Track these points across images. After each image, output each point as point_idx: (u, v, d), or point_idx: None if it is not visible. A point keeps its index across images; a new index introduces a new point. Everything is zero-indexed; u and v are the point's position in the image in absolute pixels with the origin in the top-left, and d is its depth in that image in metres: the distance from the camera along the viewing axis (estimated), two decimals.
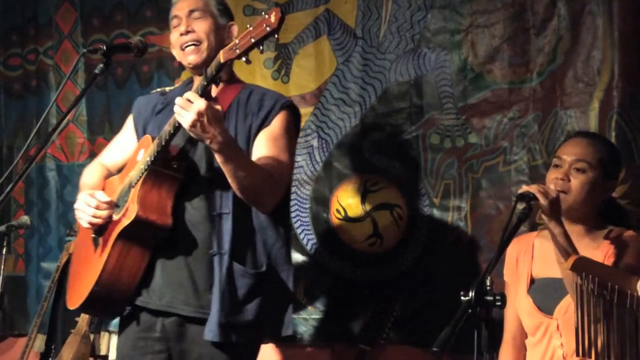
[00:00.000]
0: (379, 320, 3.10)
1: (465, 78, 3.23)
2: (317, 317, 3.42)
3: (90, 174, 2.77)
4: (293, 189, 3.38)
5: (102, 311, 2.71)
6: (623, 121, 2.93)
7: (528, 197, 2.25)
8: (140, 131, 2.69)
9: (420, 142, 3.30)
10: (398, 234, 3.32)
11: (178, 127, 2.36)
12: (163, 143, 2.42)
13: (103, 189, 2.64)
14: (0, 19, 4.33)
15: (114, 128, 3.97)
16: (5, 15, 4.32)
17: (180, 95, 2.33)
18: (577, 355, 2.16)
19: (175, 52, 2.67)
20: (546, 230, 2.39)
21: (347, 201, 3.42)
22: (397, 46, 3.36)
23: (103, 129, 4.03)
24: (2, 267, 3.51)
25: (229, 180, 2.39)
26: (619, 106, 2.94)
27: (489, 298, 1.95)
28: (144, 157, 2.49)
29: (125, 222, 2.44)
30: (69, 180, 4.11)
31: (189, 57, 2.60)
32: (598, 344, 2.11)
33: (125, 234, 2.46)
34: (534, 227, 2.82)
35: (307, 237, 3.47)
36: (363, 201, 3.39)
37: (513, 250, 2.62)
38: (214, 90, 2.56)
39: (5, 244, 3.59)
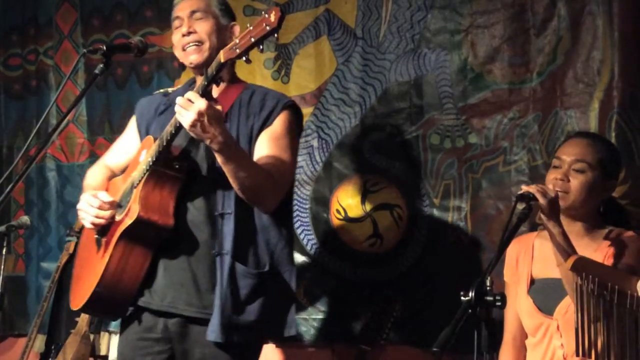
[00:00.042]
0: (379, 321, 3.10)
1: (465, 78, 3.23)
2: (317, 317, 3.42)
3: (94, 175, 2.77)
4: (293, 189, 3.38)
5: (105, 312, 2.71)
6: (623, 121, 2.93)
7: (528, 198, 2.25)
8: (143, 132, 2.69)
9: (420, 143, 3.30)
10: (398, 235, 3.32)
11: (179, 127, 2.36)
12: (164, 143, 2.42)
13: (106, 190, 2.64)
14: (0, 19, 4.33)
15: (114, 128, 3.98)
16: (5, 15, 4.32)
17: (183, 95, 2.33)
18: (577, 355, 2.16)
19: (177, 53, 2.67)
20: (546, 231, 2.39)
21: (347, 201, 3.42)
22: (397, 46, 3.36)
23: (103, 129, 4.03)
24: (2, 267, 3.51)
25: (230, 180, 2.39)
26: (619, 106, 2.94)
27: (489, 298, 1.95)
28: (146, 157, 2.49)
29: (128, 222, 2.45)
30: (69, 181, 4.11)
31: (191, 57, 2.60)
32: (598, 345, 2.12)
33: (127, 234, 2.46)
34: (534, 228, 2.82)
35: (307, 237, 3.47)
36: (363, 201, 3.39)
37: (513, 250, 2.62)
38: (216, 91, 2.56)
39: (5, 244, 3.58)
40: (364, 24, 3.43)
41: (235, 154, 2.37)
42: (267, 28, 2.15)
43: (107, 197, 2.55)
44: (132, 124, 2.79)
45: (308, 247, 3.46)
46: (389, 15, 3.38)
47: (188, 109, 2.28)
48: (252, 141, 2.53)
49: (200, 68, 2.55)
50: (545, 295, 2.50)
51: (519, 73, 3.14)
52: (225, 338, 2.44)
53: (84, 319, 3.82)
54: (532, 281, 2.56)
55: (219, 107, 2.35)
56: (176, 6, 2.68)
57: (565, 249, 2.29)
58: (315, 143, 3.48)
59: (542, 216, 2.32)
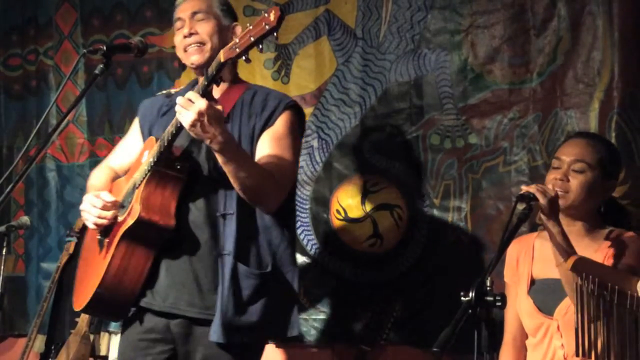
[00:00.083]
0: (379, 321, 3.11)
1: (466, 78, 3.23)
2: (317, 317, 3.42)
3: (98, 177, 2.77)
4: None
5: (107, 313, 2.71)
6: (623, 122, 2.93)
7: (528, 198, 2.25)
8: (146, 133, 2.69)
9: (421, 143, 3.30)
10: (398, 235, 3.32)
11: (180, 127, 2.36)
12: (165, 143, 2.43)
13: (110, 191, 2.64)
14: (0, 19, 4.33)
15: (114, 128, 3.98)
16: (5, 15, 4.32)
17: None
18: (577, 355, 2.16)
19: (179, 54, 2.67)
20: (546, 231, 2.39)
21: (347, 202, 3.42)
22: (397, 47, 3.36)
23: (103, 130, 4.03)
24: (2, 267, 3.51)
25: (231, 180, 2.39)
26: (619, 107, 2.94)
27: (489, 298, 1.95)
28: (148, 158, 2.50)
29: (129, 222, 2.44)
30: (69, 181, 4.11)
31: (192, 58, 2.60)
32: (598, 345, 2.12)
33: (128, 234, 2.46)
34: (534, 228, 2.82)
35: (307, 237, 3.46)
36: (363, 202, 3.39)
37: (513, 251, 2.62)
38: (218, 91, 2.57)
39: (5, 244, 3.58)
40: (364, 24, 3.43)
41: (235, 154, 2.37)
42: (267, 27, 2.15)
43: (109, 197, 2.55)
44: (135, 126, 2.79)
45: (308, 248, 3.46)
46: (389, 16, 3.38)
47: (188, 109, 2.28)
48: (253, 141, 2.53)
49: (201, 69, 2.55)
50: (545, 295, 2.50)
51: (519, 73, 3.14)
52: (228, 339, 2.44)
53: (84, 319, 3.82)
54: (533, 281, 2.56)
55: (219, 107, 2.35)
56: (177, 7, 2.68)
57: (565, 248, 2.30)
58: (315, 143, 3.48)
59: (542, 216, 2.32)
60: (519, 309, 2.58)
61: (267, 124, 2.54)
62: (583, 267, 2.14)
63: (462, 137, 3.23)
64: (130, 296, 2.51)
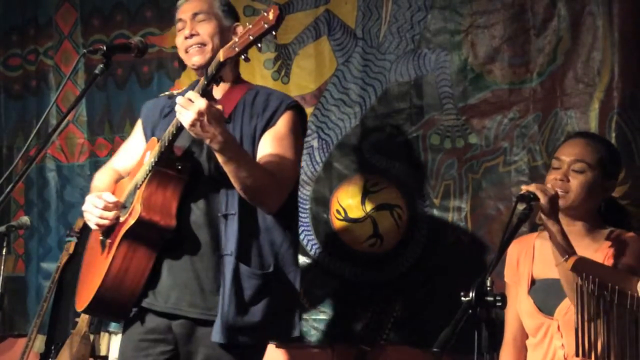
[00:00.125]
0: (379, 321, 3.11)
1: (465, 78, 3.23)
2: (317, 317, 3.42)
3: (101, 178, 2.76)
4: None
5: (108, 313, 2.71)
6: (623, 122, 2.93)
7: (528, 198, 2.25)
8: (149, 134, 2.69)
9: (421, 143, 3.30)
10: (398, 235, 3.32)
11: (180, 127, 2.36)
12: (166, 143, 2.43)
13: (113, 192, 2.64)
14: (0, 19, 4.33)
15: (114, 128, 3.98)
16: (5, 15, 4.32)
17: None
18: (577, 355, 2.16)
19: (181, 55, 2.67)
20: (547, 231, 2.39)
21: (347, 202, 3.42)
22: (397, 47, 3.36)
23: (103, 129, 4.03)
24: (2, 267, 3.51)
25: (232, 180, 2.39)
26: (619, 107, 2.94)
27: (490, 298, 1.95)
28: (149, 158, 2.50)
29: (130, 222, 2.45)
30: (69, 181, 4.11)
31: (193, 59, 2.60)
32: (598, 345, 2.12)
33: (129, 235, 2.46)
34: (534, 228, 2.82)
35: (307, 237, 3.46)
36: (363, 202, 3.39)
37: (514, 251, 2.62)
38: (220, 91, 2.57)
39: (5, 244, 3.58)
40: (364, 24, 3.43)
41: (236, 153, 2.37)
42: (266, 26, 2.16)
43: (111, 198, 2.55)
44: (138, 127, 2.79)
45: (308, 248, 3.46)
46: (389, 16, 3.38)
47: (188, 109, 2.28)
48: (255, 142, 2.53)
49: (203, 70, 2.55)
50: (545, 295, 2.50)
51: (519, 73, 3.14)
52: (230, 339, 2.43)
53: (84, 319, 3.82)
54: (533, 281, 2.56)
55: (219, 107, 2.35)
56: (179, 8, 2.68)
57: (564, 247, 2.30)
58: (315, 143, 3.48)
59: (542, 215, 2.32)
60: (519, 309, 2.58)
61: (269, 124, 2.54)
62: (583, 267, 2.14)
63: (462, 137, 3.23)
64: (132, 297, 2.51)
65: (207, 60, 2.55)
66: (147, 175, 2.47)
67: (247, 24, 2.23)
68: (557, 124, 3.05)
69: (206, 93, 2.35)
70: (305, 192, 3.47)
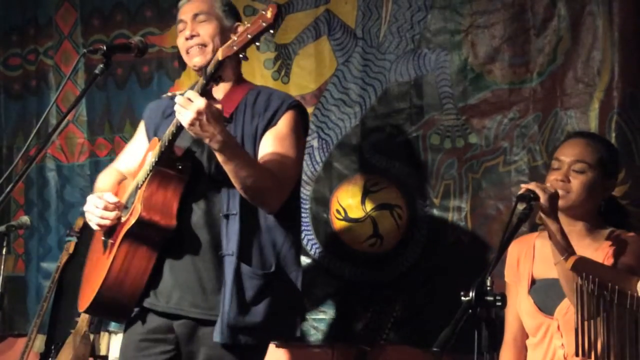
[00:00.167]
0: (379, 321, 3.11)
1: (465, 78, 3.23)
2: (317, 317, 3.42)
3: (104, 179, 2.77)
4: None
5: (110, 313, 2.71)
6: (623, 122, 2.93)
7: (528, 198, 2.25)
8: (152, 135, 2.69)
9: (421, 143, 3.30)
10: (398, 235, 3.32)
11: (180, 127, 2.36)
12: (166, 143, 2.43)
13: (116, 193, 2.64)
14: (0, 19, 4.33)
15: (114, 128, 3.98)
16: (5, 15, 4.32)
17: None
18: (577, 355, 2.16)
19: (183, 56, 2.67)
20: (547, 231, 2.39)
21: (347, 202, 3.42)
22: (397, 46, 3.36)
23: (103, 129, 4.03)
24: (2, 267, 3.51)
25: (232, 180, 2.39)
26: (619, 107, 2.94)
27: (489, 298, 1.94)
28: (150, 158, 2.50)
29: (131, 222, 2.45)
30: (69, 181, 4.11)
31: (194, 60, 2.60)
32: (598, 345, 2.11)
33: (130, 235, 2.46)
34: (534, 228, 2.82)
35: (307, 237, 3.46)
36: (363, 201, 3.39)
37: (514, 251, 2.62)
38: (222, 91, 2.57)
39: (5, 244, 3.58)
40: (364, 24, 3.43)
41: (235, 153, 2.37)
42: (264, 25, 2.18)
43: (112, 198, 2.55)
44: (141, 128, 2.79)
45: (308, 248, 3.46)
46: (389, 16, 3.38)
47: (187, 108, 2.29)
48: (256, 142, 2.53)
49: (204, 70, 2.55)
50: (545, 295, 2.50)
51: (519, 73, 3.14)
52: (231, 339, 2.43)
53: (84, 319, 3.82)
54: (533, 281, 2.56)
55: (218, 106, 2.36)
56: (180, 9, 2.68)
57: (564, 246, 2.30)
58: (315, 143, 3.48)
59: (541, 214, 2.32)
60: (519, 308, 2.58)
61: (270, 123, 2.54)
62: (583, 267, 2.13)
63: (462, 137, 3.23)
64: (133, 297, 2.51)
65: (208, 60, 2.55)
66: (147, 175, 2.47)
67: (246, 22, 2.25)
68: (557, 124, 3.05)
69: (205, 92, 2.36)
70: (305, 192, 3.47)
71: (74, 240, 3.96)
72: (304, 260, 3.43)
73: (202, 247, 2.50)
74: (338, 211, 3.44)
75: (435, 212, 3.26)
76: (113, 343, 3.88)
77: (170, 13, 3.78)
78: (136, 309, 2.57)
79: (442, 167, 3.26)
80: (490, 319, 1.95)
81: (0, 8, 4.32)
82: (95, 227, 2.58)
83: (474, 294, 1.92)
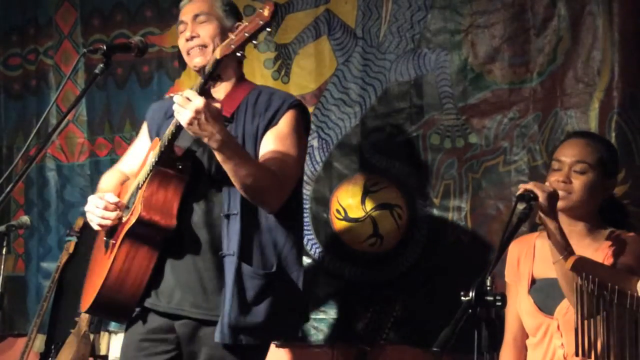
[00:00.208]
0: (378, 321, 3.10)
1: (465, 78, 3.23)
2: (317, 317, 3.42)
3: (108, 180, 2.77)
4: None
5: (111, 313, 2.70)
6: (623, 121, 2.93)
7: (528, 198, 2.25)
8: (154, 136, 2.69)
9: (421, 142, 3.30)
10: (398, 234, 3.32)
11: (180, 126, 2.36)
12: (166, 143, 2.43)
13: (119, 193, 2.64)
14: (0, 19, 4.33)
15: (114, 128, 3.98)
16: (5, 15, 4.32)
17: None
18: (577, 355, 2.16)
19: (184, 57, 2.67)
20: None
21: (347, 201, 3.42)
22: (397, 46, 3.36)
23: (103, 129, 4.03)
24: (2, 267, 3.51)
25: (232, 179, 2.39)
26: (619, 106, 2.94)
27: (489, 298, 1.95)
28: (151, 158, 2.50)
29: (131, 222, 2.45)
30: (69, 180, 4.11)
31: (195, 61, 2.60)
32: (598, 345, 2.11)
33: (130, 235, 2.45)
34: (534, 228, 2.82)
35: (307, 237, 3.46)
36: (363, 201, 3.39)
37: (514, 250, 2.62)
38: (224, 91, 2.57)
39: (5, 244, 3.59)
40: (364, 24, 3.43)
41: (235, 152, 2.37)
42: (261, 23, 2.19)
43: (113, 198, 2.55)
44: (144, 129, 2.80)
45: (308, 247, 3.45)
46: (389, 15, 3.38)
47: (185, 107, 2.29)
48: (257, 141, 2.52)
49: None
50: (545, 295, 2.50)
51: (519, 73, 3.14)
52: (232, 339, 2.43)
53: (84, 319, 3.82)
54: (533, 281, 2.56)
55: (217, 105, 2.36)
56: (181, 10, 2.68)
57: (562, 245, 2.30)
58: (315, 143, 3.48)
59: (540, 213, 2.32)
60: (519, 308, 2.58)
61: (271, 123, 2.53)
62: (583, 266, 2.13)
63: (462, 136, 3.23)
64: (134, 297, 2.51)
65: (208, 61, 2.55)
66: (148, 175, 2.47)
67: (243, 21, 2.25)
68: (557, 123, 3.05)
69: (204, 91, 2.36)
70: (305, 192, 3.46)
71: (74, 240, 3.96)
72: (304, 260, 3.42)
73: (202, 247, 2.50)
74: (338, 211, 3.44)
75: (435, 212, 3.26)
76: (113, 343, 3.88)
77: (170, 13, 3.78)
78: (137, 309, 2.57)
79: (442, 167, 3.26)
80: (490, 319, 1.95)
81: (0, 8, 4.32)
82: (96, 228, 2.58)
83: (474, 294, 1.92)
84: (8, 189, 2.24)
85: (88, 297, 2.58)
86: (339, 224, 3.44)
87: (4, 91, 4.31)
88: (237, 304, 2.44)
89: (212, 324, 2.46)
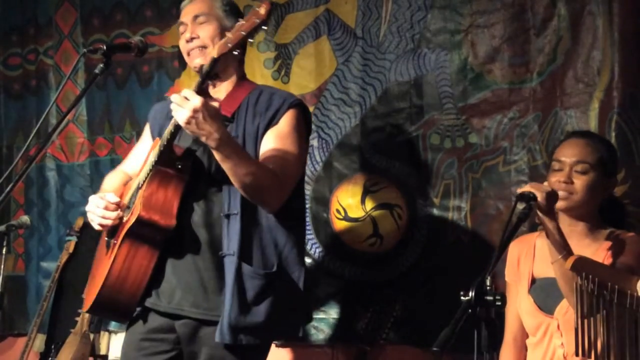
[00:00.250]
0: (379, 320, 3.10)
1: (465, 78, 3.23)
2: (317, 317, 3.42)
3: (111, 181, 2.77)
4: None
5: (111, 313, 2.71)
6: (623, 121, 2.93)
7: (528, 197, 2.25)
8: (156, 136, 2.69)
9: (421, 142, 3.30)
10: (398, 234, 3.32)
11: (178, 125, 2.36)
12: (165, 142, 2.43)
13: (122, 194, 2.64)
14: (0, 19, 4.33)
15: (114, 128, 3.98)
16: (5, 15, 4.32)
17: None
18: (577, 355, 2.16)
19: (185, 58, 2.66)
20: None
21: (347, 201, 3.42)
22: (397, 46, 3.36)
23: (103, 129, 4.03)
24: (2, 266, 3.51)
25: (231, 178, 2.39)
26: (619, 106, 2.94)
27: (489, 298, 1.94)
28: (151, 158, 2.50)
29: (131, 221, 2.45)
30: (69, 180, 4.11)
31: (195, 61, 2.59)
32: (598, 344, 2.11)
33: (130, 234, 2.45)
34: (534, 228, 2.82)
35: (307, 237, 3.45)
36: (363, 201, 3.39)
37: (515, 250, 2.62)
38: (224, 91, 2.57)
39: (5, 243, 3.58)
40: (364, 23, 3.43)
41: (233, 151, 2.36)
42: (257, 21, 2.21)
43: (113, 198, 2.56)
44: (147, 130, 2.80)
45: (308, 247, 3.45)
46: (389, 15, 3.39)
47: (183, 106, 2.29)
48: (258, 141, 2.52)
49: None
50: (545, 294, 2.50)
51: (519, 73, 3.14)
52: (233, 339, 2.43)
53: (84, 319, 3.82)
54: (533, 280, 2.56)
55: (214, 104, 2.36)
56: (181, 11, 2.68)
57: (561, 244, 2.30)
58: (315, 143, 3.48)
59: (538, 212, 2.32)
60: (520, 307, 2.58)
61: (271, 122, 2.53)
62: (583, 266, 2.13)
63: (462, 136, 3.23)
64: (134, 297, 2.51)
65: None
66: (148, 174, 2.47)
67: (240, 20, 2.27)
68: (557, 123, 3.05)
69: (202, 90, 2.36)
70: (305, 192, 3.46)
71: (74, 239, 3.96)
72: (305, 259, 3.43)
73: (203, 247, 2.50)
74: (338, 211, 3.44)
75: (435, 211, 3.27)
76: (113, 342, 3.88)
77: (170, 13, 3.78)
78: (138, 309, 2.57)
79: (442, 167, 3.26)
80: (490, 319, 1.95)
81: (0, 8, 4.32)
82: (97, 227, 2.58)
83: (473, 294, 1.92)
84: (8, 189, 2.24)
85: (90, 297, 2.58)
86: (339, 224, 3.44)
87: (4, 91, 4.31)
88: (237, 304, 2.43)
89: (213, 324, 2.46)
